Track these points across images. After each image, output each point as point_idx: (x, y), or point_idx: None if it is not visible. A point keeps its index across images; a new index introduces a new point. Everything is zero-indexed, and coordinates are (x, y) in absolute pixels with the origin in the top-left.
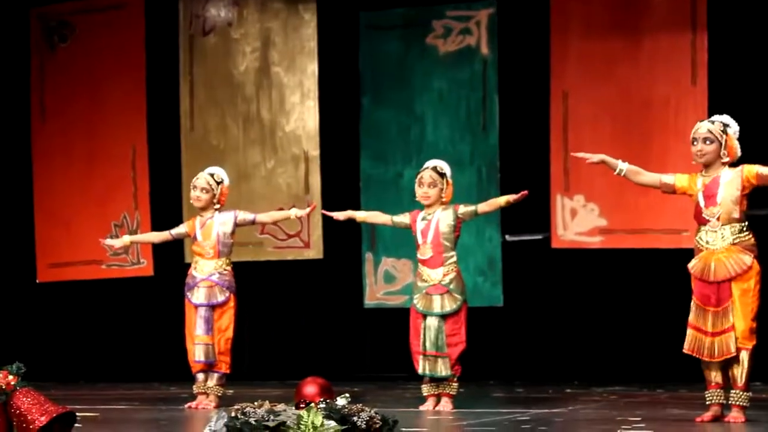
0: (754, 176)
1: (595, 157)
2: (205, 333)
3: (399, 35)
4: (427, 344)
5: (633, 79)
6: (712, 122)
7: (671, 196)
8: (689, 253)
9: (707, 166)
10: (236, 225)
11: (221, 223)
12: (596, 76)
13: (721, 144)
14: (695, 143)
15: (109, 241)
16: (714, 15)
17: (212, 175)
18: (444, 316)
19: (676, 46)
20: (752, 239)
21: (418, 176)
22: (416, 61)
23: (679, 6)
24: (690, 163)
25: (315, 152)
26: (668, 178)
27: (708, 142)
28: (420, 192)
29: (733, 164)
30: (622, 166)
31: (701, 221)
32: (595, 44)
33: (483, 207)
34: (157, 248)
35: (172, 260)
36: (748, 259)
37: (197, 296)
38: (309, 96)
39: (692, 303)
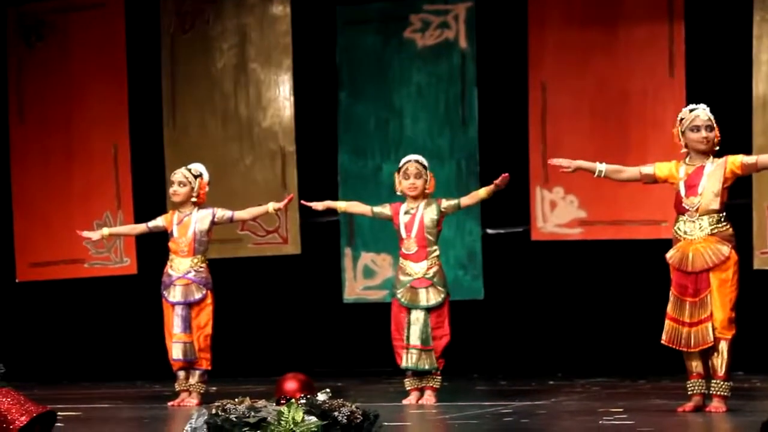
0: (738, 166)
1: (572, 166)
2: (183, 331)
3: (376, 29)
4: (414, 338)
5: (611, 70)
6: (705, 109)
7: (650, 186)
8: (668, 244)
9: (702, 153)
10: (214, 223)
11: (198, 220)
12: (574, 68)
13: (715, 130)
14: (698, 130)
15: (86, 233)
16: (691, 5)
17: (189, 170)
18: (429, 310)
19: (653, 36)
20: (730, 229)
21: (402, 168)
22: (394, 55)
23: None
24: (668, 153)
25: (291, 148)
26: (647, 169)
27: (710, 130)
28: (407, 183)
29: (717, 154)
30: (600, 167)
31: (680, 210)
32: (573, 36)
33: (465, 200)
34: (141, 246)
35: (156, 258)
36: (726, 249)
37: (174, 294)
38: (284, 91)
39: (670, 293)
